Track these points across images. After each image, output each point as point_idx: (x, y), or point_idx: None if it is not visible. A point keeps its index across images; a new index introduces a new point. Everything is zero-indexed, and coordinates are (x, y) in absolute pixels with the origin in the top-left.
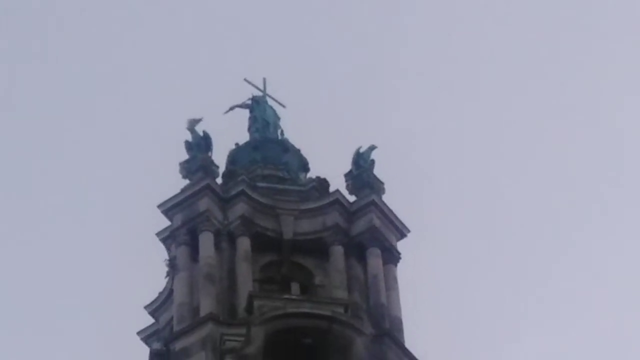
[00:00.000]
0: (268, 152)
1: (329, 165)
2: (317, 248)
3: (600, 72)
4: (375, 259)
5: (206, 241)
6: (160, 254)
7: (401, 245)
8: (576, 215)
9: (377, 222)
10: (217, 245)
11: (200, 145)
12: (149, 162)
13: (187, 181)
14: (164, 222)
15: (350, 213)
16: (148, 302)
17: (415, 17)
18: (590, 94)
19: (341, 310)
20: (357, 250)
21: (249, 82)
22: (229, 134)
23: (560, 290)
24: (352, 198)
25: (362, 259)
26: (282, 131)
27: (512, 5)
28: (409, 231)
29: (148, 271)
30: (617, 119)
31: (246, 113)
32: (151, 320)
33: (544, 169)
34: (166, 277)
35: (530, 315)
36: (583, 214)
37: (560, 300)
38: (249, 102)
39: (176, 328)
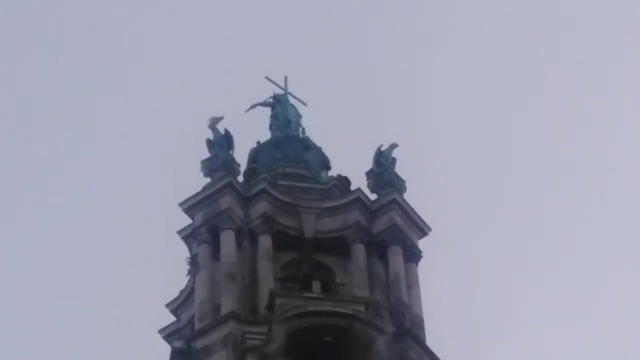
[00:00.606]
0: (289, 150)
1: (351, 164)
2: (339, 246)
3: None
4: (396, 258)
5: (227, 239)
6: (181, 252)
7: (422, 244)
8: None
9: (398, 221)
10: (239, 244)
11: (221, 143)
12: (170, 160)
13: (208, 179)
14: (186, 220)
15: (372, 211)
16: (169, 300)
17: (437, 16)
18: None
19: (362, 308)
20: (378, 249)
21: (271, 80)
22: (251, 132)
23: (579, 287)
24: (373, 196)
25: (384, 257)
26: (303, 129)
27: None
28: (430, 229)
29: (170, 269)
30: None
31: (267, 111)
32: (173, 319)
33: (567, 168)
34: (187, 275)
35: (553, 312)
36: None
37: (581, 296)
38: (271, 100)
39: (197, 326)
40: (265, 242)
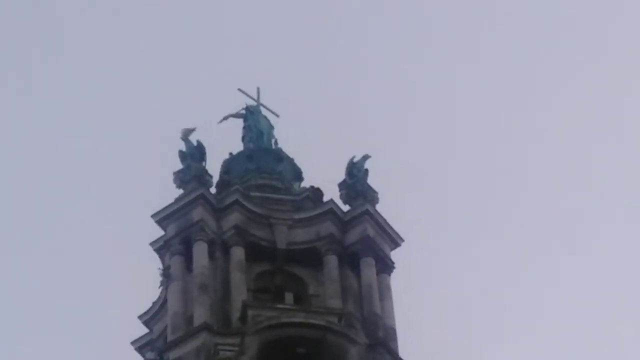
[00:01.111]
0: (262, 161)
1: (323, 175)
2: (311, 258)
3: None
4: (369, 269)
5: (200, 251)
6: (154, 264)
7: (395, 255)
8: (569, 220)
9: (370, 232)
10: (211, 255)
11: (194, 154)
12: (143, 172)
13: (181, 191)
14: (159, 232)
15: (344, 222)
16: (142, 311)
17: (408, 28)
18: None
19: (335, 320)
20: (351, 260)
21: (243, 92)
22: (223, 144)
23: (556, 298)
24: (346, 208)
25: (356, 268)
26: (276, 141)
27: (503, 7)
28: (402, 240)
29: (142, 281)
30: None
31: (240, 122)
32: (145, 330)
33: (539, 176)
34: (160, 286)
35: (525, 324)
36: (577, 219)
37: (555, 307)
38: (243, 111)
39: (170, 338)
40: (238, 253)
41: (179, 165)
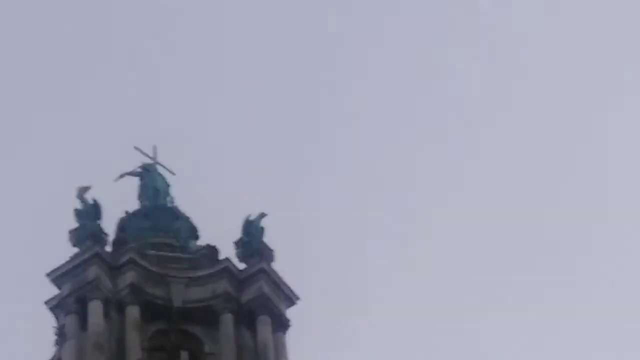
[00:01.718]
0: (158, 219)
1: (219, 233)
2: (207, 316)
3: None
4: (264, 327)
5: (95, 309)
6: (48, 323)
7: (291, 313)
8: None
9: (266, 290)
10: (106, 314)
11: (89, 213)
12: (38, 230)
13: (76, 249)
14: (54, 291)
15: (240, 281)
16: None
17: (299, 79)
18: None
19: None
20: (247, 318)
21: (140, 150)
22: (119, 202)
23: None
24: (242, 265)
25: (252, 326)
26: (172, 199)
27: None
28: (298, 298)
29: (36, 339)
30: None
31: (136, 181)
32: None
33: (454, 207)
34: (54, 345)
35: None
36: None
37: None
38: (139, 169)
39: None
40: (133, 312)
41: (74, 224)
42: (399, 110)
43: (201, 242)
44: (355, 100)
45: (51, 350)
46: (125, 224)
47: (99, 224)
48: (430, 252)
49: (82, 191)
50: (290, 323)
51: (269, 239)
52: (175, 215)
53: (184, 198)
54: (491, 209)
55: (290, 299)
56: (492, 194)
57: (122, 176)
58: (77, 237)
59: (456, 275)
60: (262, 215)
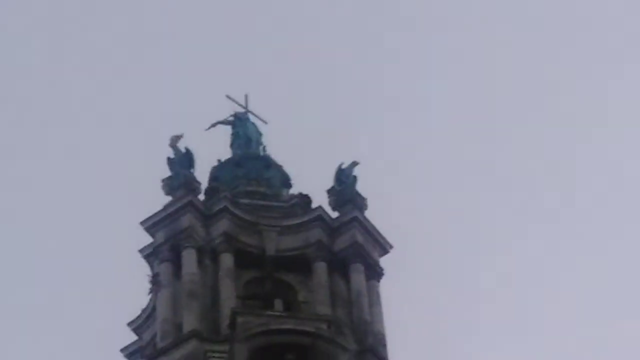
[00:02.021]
0: (250, 168)
1: (312, 182)
2: (300, 264)
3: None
4: (358, 275)
5: (189, 258)
6: (143, 271)
7: (384, 261)
8: (562, 219)
9: (359, 238)
10: (200, 262)
11: (182, 161)
12: (131, 179)
13: (169, 198)
14: (147, 239)
15: (333, 229)
16: (131, 319)
17: (396, 29)
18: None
19: (324, 326)
20: (340, 266)
21: (231, 99)
22: (211, 151)
23: (551, 303)
24: (334, 214)
25: (345, 275)
26: (264, 147)
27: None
28: (391, 247)
29: (131, 288)
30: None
31: (228, 129)
32: (134, 337)
33: (529, 175)
34: (149, 294)
35: (512, 327)
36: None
37: (549, 314)
38: (231, 118)
39: (159, 345)
40: (227, 260)
41: (167, 173)
42: None
43: (293, 190)
44: None
45: (146, 298)
46: (218, 173)
47: (192, 173)
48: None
49: (175, 140)
50: (384, 271)
51: (361, 187)
52: (268, 163)
53: (276, 146)
54: None
55: (384, 247)
56: None
57: (214, 125)
58: (171, 185)
59: None
60: (355, 163)
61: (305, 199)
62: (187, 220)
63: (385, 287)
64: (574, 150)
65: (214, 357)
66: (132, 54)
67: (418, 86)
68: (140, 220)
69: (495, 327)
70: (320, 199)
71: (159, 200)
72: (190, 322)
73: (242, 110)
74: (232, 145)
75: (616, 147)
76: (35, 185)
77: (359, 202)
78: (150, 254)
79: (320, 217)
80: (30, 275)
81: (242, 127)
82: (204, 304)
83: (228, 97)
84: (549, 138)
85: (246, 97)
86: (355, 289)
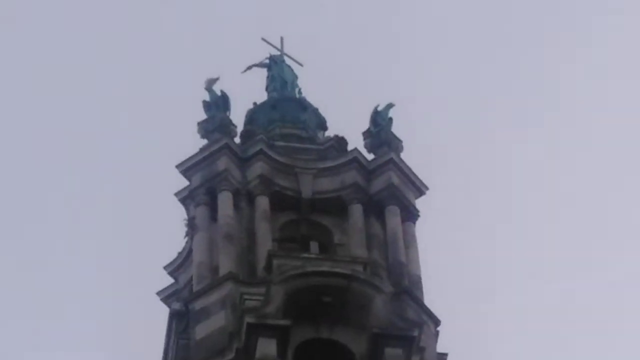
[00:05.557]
0: (286, 111)
1: (347, 124)
2: (336, 207)
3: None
4: (394, 217)
5: (225, 201)
6: (179, 214)
7: (420, 203)
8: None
9: (395, 180)
10: (236, 205)
11: (218, 104)
12: (166, 122)
13: (205, 141)
14: (183, 182)
15: (369, 171)
16: (167, 262)
17: None
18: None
19: (360, 268)
20: (375, 209)
21: (267, 41)
22: (247, 93)
23: (578, 242)
24: (370, 156)
25: (381, 217)
26: (300, 90)
27: None
28: (427, 189)
29: (167, 231)
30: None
31: (264, 72)
32: (171, 280)
33: (571, 132)
34: (185, 237)
35: (549, 270)
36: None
37: (579, 250)
38: (267, 61)
39: (196, 288)
40: (263, 203)
41: (202, 115)
42: None
43: (329, 133)
44: None
45: (182, 242)
46: (253, 116)
47: (228, 116)
48: None
49: (211, 83)
50: (420, 213)
51: (397, 129)
52: (303, 106)
53: (312, 89)
54: None
55: (420, 189)
56: None
57: (249, 68)
58: (206, 128)
59: None
60: (390, 105)
61: (341, 142)
62: (223, 163)
63: (421, 229)
64: None
65: (250, 299)
66: None
67: (457, 26)
68: (176, 163)
69: (532, 269)
70: (356, 141)
71: (194, 143)
72: (226, 265)
73: (277, 52)
74: (267, 88)
75: None
76: (71, 129)
77: (395, 144)
78: (186, 197)
79: (356, 160)
80: (66, 219)
81: (277, 70)
82: (240, 246)
83: (263, 39)
84: None
85: (282, 39)
86: (391, 231)
